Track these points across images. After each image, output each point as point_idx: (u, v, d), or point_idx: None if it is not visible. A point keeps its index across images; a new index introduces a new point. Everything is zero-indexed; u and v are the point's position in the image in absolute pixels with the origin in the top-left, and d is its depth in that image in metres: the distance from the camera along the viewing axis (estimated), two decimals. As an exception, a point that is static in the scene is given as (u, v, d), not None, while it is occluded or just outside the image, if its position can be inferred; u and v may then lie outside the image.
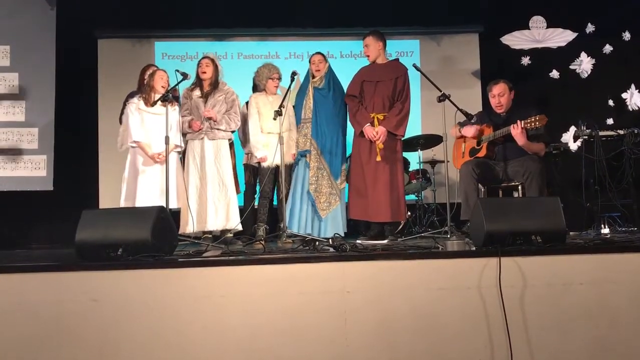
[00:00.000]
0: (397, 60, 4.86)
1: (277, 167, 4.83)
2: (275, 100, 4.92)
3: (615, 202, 4.92)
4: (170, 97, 4.35)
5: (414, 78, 4.74)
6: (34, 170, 6.31)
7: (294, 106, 5.05)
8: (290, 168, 4.94)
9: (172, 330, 2.71)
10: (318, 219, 4.76)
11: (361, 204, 4.62)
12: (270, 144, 4.86)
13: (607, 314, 2.78)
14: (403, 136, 4.69)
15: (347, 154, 5.04)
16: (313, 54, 4.98)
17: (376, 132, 4.49)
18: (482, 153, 4.46)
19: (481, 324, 2.75)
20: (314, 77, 4.90)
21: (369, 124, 4.57)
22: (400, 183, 4.61)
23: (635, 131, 5.17)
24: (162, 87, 4.62)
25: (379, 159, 4.51)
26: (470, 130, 4.52)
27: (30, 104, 6.35)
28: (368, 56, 4.77)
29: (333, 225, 4.75)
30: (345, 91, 4.89)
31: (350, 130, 4.87)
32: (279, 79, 5.06)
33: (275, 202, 5.14)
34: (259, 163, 4.96)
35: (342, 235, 4.69)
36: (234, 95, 4.85)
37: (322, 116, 4.81)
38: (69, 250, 3.47)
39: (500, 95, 4.49)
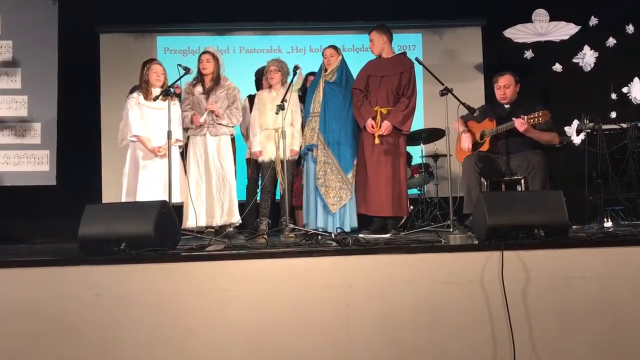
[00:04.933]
0: (404, 54, 4.84)
1: (274, 162, 4.82)
2: (279, 95, 4.90)
3: (618, 195, 4.92)
4: (172, 91, 4.34)
5: (417, 72, 4.73)
6: (37, 165, 6.33)
7: (302, 99, 5.03)
8: (291, 163, 4.92)
9: (175, 324, 2.72)
10: (330, 213, 4.72)
11: (363, 198, 4.63)
12: (266, 139, 4.85)
13: (610, 307, 2.78)
14: (408, 132, 4.69)
15: None
16: (326, 47, 4.91)
17: (379, 127, 4.49)
18: (485, 147, 4.45)
19: (484, 317, 2.75)
20: (326, 70, 4.87)
21: (371, 118, 4.57)
22: (403, 178, 4.61)
23: (639, 125, 5.16)
24: (157, 80, 4.61)
25: (377, 141, 4.50)
26: (466, 142, 4.51)
27: (32, 99, 6.36)
28: (372, 51, 4.76)
29: (346, 219, 4.70)
30: None
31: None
32: (275, 70, 4.93)
33: (278, 197, 5.14)
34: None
35: (350, 229, 4.66)
36: (236, 90, 4.84)
37: (330, 110, 4.76)
38: (71, 245, 3.47)
39: (506, 86, 4.48)
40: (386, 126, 4.50)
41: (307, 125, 4.84)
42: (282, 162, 4.65)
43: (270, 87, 5.00)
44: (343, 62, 4.88)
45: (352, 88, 4.79)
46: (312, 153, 4.78)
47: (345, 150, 4.72)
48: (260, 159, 4.89)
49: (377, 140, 4.52)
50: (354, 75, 4.88)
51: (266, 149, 4.86)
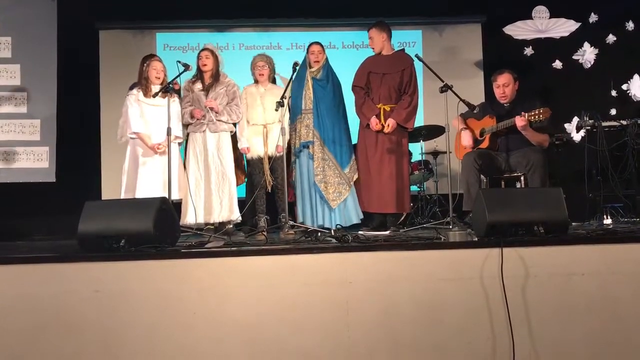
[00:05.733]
0: (402, 50, 4.84)
1: (268, 158, 4.81)
2: (267, 91, 4.88)
3: (617, 192, 4.92)
4: (171, 88, 4.33)
5: (417, 69, 4.73)
6: (36, 161, 6.32)
7: (290, 97, 5.03)
8: (282, 160, 4.88)
9: (174, 320, 2.72)
10: (328, 209, 4.71)
11: (365, 195, 4.64)
12: (253, 135, 4.84)
13: (609, 304, 2.78)
14: (412, 129, 4.72)
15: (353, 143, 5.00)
16: (312, 44, 4.90)
17: (386, 125, 4.50)
18: (485, 144, 4.45)
19: (483, 314, 2.75)
20: (311, 66, 4.86)
21: (374, 116, 4.57)
22: (406, 175, 4.63)
23: (638, 122, 5.16)
24: (157, 77, 4.60)
25: (387, 130, 4.52)
26: (466, 139, 4.51)
27: (32, 96, 6.35)
28: (373, 48, 4.77)
29: (344, 214, 4.70)
30: (340, 82, 4.89)
31: (354, 120, 4.87)
32: (264, 66, 4.91)
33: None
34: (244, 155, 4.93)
35: (359, 221, 4.67)
36: (235, 87, 4.83)
37: (322, 107, 4.76)
38: (71, 242, 3.48)
39: (505, 85, 4.47)
40: (392, 124, 4.51)
41: (300, 122, 4.81)
42: (274, 158, 4.66)
43: (256, 82, 4.99)
44: (327, 59, 4.89)
45: (353, 86, 4.79)
46: (308, 150, 4.77)
47: (340, 146, 4.74)
48: (248, 156, 4.88)
49: (386, 129, 4.53)
50: (348, 71, 4.88)
51: (253, 145, 4.85)
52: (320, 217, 4.69)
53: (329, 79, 4.83)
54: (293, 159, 4.89)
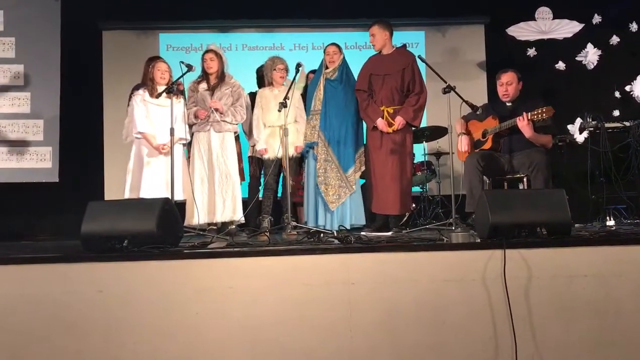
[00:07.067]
0: (403, 47, 4.83)
1: (281, 159, 4.82)
2: (281, 92, 4.90)
3: (620, 194, 4.90)
4: (175, 89, 4.34)
5: (420, 69, 4.73)
6: (39, 161, 6.33)
7: (302, 95, 5.04)
8: (296, 160, 4.95)
9: (177, 321, 2.72)
10: (328, 211, 4.73)
11: (373, 197, 4.65)
12: (270, 137, 4.86)
13: (611, 306, 2.78)
14: (418, 127, 4.77)
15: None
16: (328, 45, 4.91)
17: (394, 122, 4.50)
18: (488, 145, 4.45)
19: (486, 315, 2.75)
20: (327, 67, 4.87)
21: (380, 118, 4.57)
22: (409, 176, 4.64)
23: (641, 123, 5.14)
24: (162, 78, 4.61)
25: (395, 127, 4.52)
26: (462, 145, 4.53)
27: (35, 96, 6.36)
28: (374, 45, 4.75)
29: (343, 217, 4.71)
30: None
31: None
32: (285, 69, 5.01)
33: (279, 194, 5.15)
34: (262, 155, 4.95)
35: (348, 227, 4.67)
36: (240, 88, 4.84)
37: (331, 107, 4.77)
38: (74, 242, 3.48)
39: (509, 83, 4.47)
40: (399, 121, 4.52)
41: (307, 123, 4.85)
42: (289, 158, 4.68)
43: (271, 84, 5.01)
44: (344, 60, 4.89)
45: (355, 89, 4.78)
46: (313, 151, 4.79)
47: (345, 148, 4.73)
48: (265, 157, 4.89)
49: (395, 127, 4.53)
50: (354, 72, 4.88)
51: (271, 147, 4.86)
52: (322, 219, 4.71)
53: (343, 79, 4.82)
54: (304, 159, 4.92)
